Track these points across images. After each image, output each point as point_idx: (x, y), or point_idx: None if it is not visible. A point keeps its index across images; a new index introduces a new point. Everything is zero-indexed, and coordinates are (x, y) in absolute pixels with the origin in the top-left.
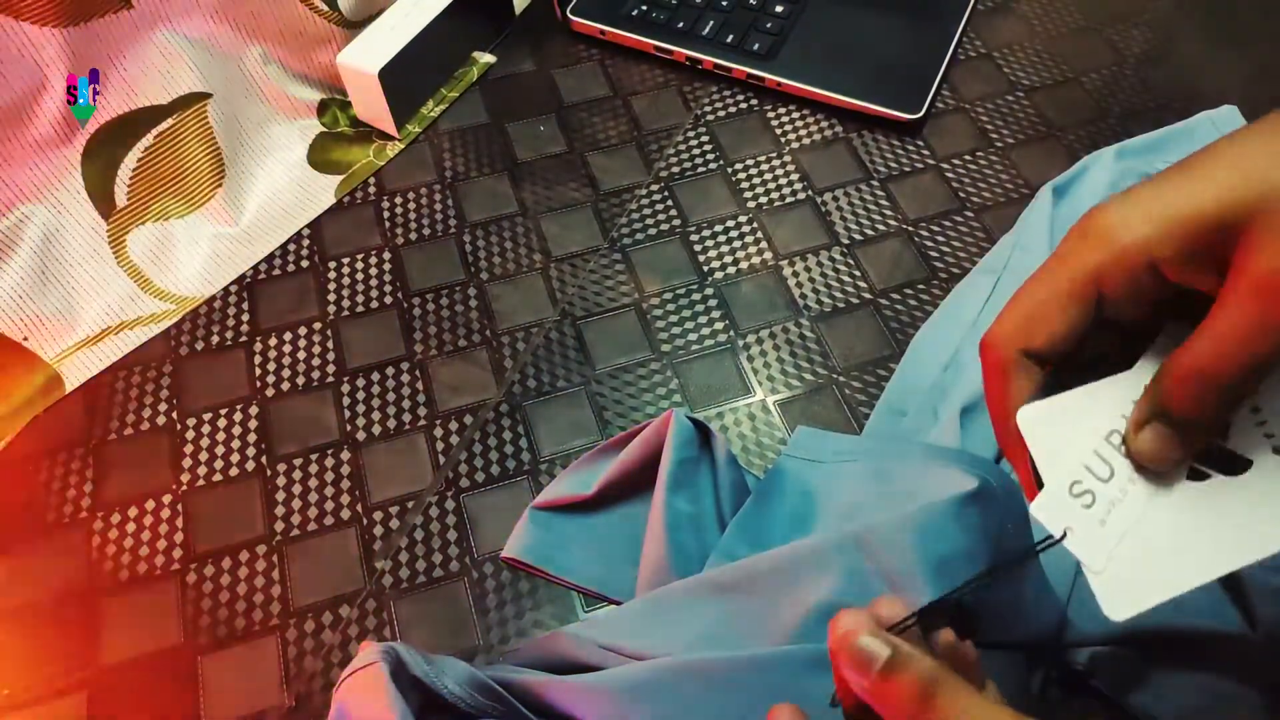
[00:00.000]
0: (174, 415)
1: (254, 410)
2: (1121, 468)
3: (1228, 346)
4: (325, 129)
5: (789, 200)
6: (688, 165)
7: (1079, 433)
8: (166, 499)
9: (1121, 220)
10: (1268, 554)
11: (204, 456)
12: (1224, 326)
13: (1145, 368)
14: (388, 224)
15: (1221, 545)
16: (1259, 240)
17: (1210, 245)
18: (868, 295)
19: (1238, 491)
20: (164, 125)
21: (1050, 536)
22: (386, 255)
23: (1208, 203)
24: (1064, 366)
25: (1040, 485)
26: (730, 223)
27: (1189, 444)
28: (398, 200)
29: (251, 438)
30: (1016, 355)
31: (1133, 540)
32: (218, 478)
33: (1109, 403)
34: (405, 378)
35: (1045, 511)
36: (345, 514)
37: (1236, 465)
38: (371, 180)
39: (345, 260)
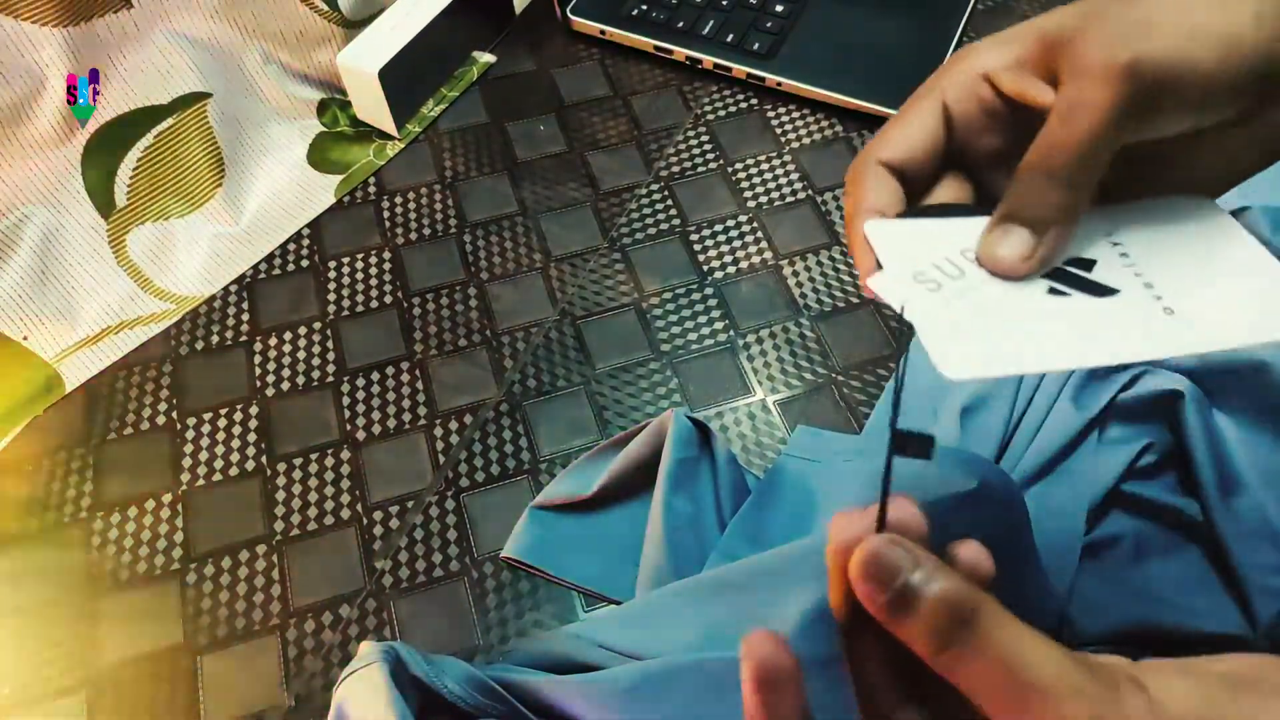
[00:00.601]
0: (174, 415)
1: (254, 410)
2: (973, 271)
3: (1060, 134)
4: (325, 129)
5: (789, 200)
6: (688, 165)
7: (932, 246)
8: (166, 499)
9: (974, 46)
10: (1113, 361)
11: (204, 456)
12: (1054, 119)
13: None
14: (388, 224)
15: (1067, 343)
16: (1082, 39)
17: (1039, 56)
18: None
19: (1097, 308)
20: (164, 125)
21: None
22: (386, 255)
23: (1041, 26)
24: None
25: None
26: (730, 222)
27: (1041, 243)
28: (398, 200)
29: (251, 438)
30: (872, 162)
31: (978, 317)
32: (218, 478)
33: (966, 232)
34: (405, 378)
35: (882, 284)
36: (345, 514)
37: (1103, 291)
38: (371, 180)
39: (345, 260)
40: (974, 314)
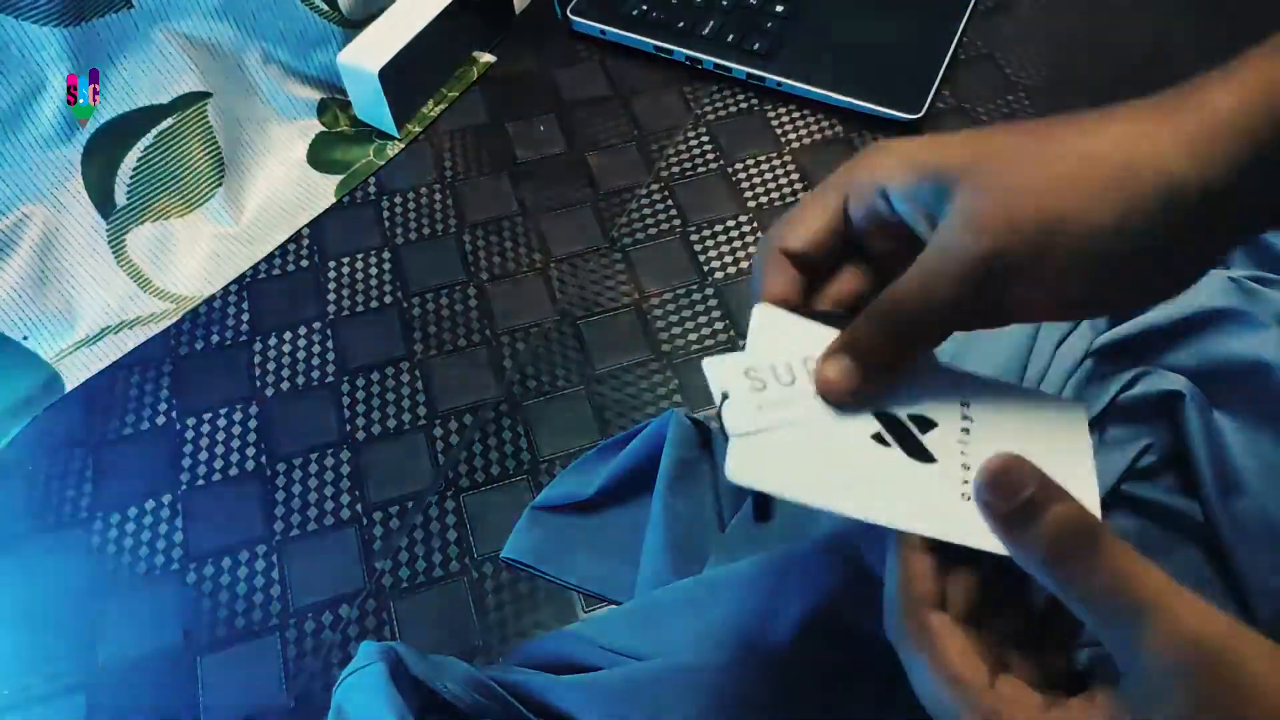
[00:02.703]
0: (174, 415)
1: (254, 410)
2: (805, 383)
3: (910, 295)
4: (325, 128)
5: (789, 200)
6: (688, 165)
7: (787, 346)
8: (166, 499)
9: (878, 149)
10: (892, 524)
11: (204, 456)
12: (905, 277)
13: None
14: (388, 224)
15: (857, 490)
16: (955, 198)
17: (928, 193)
18: None
19: (905, 469)
20: (164, 125)
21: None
22: (386, 255)
23: (936, 157)
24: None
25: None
26: (730, 223)
27: (867, 380)
28: (398, 200)
29: (251, 438)
30: (775, 250)
31: (783, 433)
32: (218, 478)
33: (822, 341)
34: (405, 378)
35: (713, 370)
36: (345, 514)
37: (921, 456)
38: (371, 180)
39: (345, 260)
40: (782, 427)
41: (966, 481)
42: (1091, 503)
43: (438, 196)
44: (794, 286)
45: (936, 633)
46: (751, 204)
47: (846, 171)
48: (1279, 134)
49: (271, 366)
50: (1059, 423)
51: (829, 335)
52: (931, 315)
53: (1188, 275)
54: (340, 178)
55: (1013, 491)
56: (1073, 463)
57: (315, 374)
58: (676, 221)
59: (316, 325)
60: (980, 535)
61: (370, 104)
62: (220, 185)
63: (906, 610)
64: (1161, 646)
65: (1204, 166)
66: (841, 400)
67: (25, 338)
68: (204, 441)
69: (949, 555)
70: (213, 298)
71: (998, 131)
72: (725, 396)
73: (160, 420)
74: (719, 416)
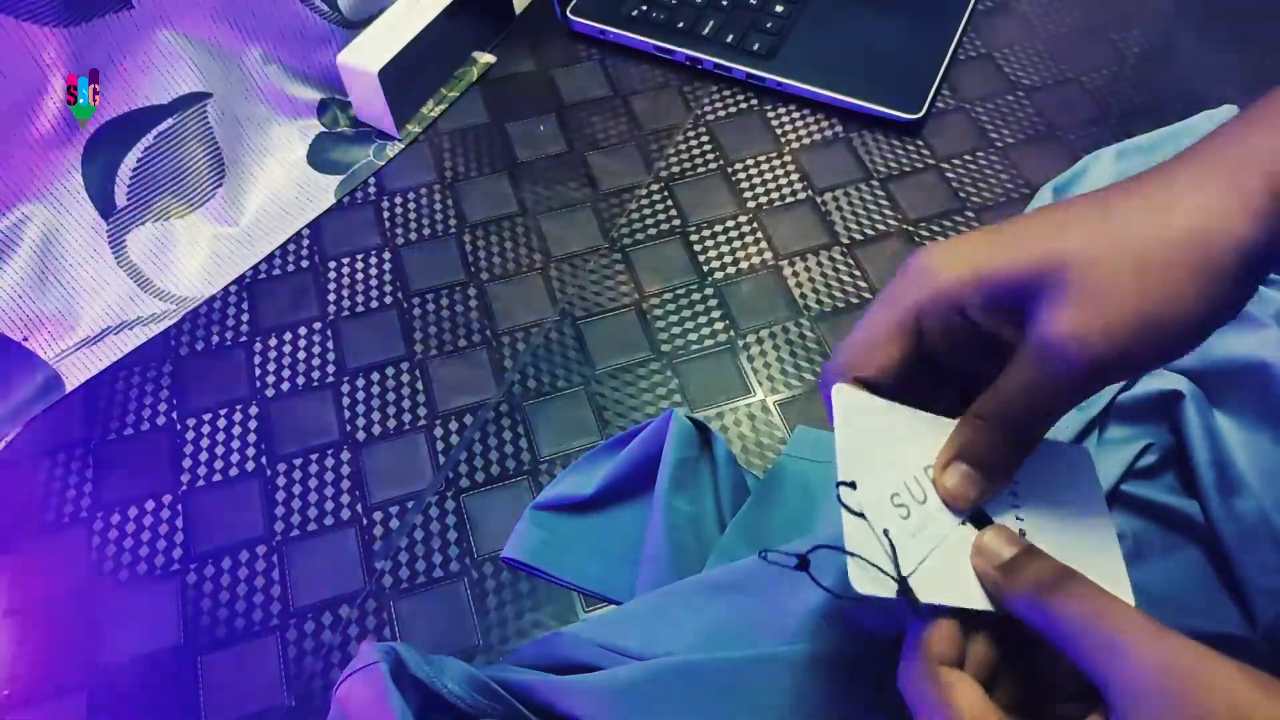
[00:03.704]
0: (174, 415)
1: (254, 410)
2: (933, 498)
3: (1013, 401)
4: (325, 129)
5: (789, 200)
6: (688, 165)
7: (894, 452)
8: (166, 499)
9: (942, 263)
10: (978, 608)
11: (204, 456)
12: (1009, 383)
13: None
14: (388, 224)
15: (969, 585)
16: (1046, 307)
17: (1011, 301)
18: (868, 295)
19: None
20: (164, 125)
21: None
22: (386, 255)
23: (1011, 264)
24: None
25: (838, 465)
26: (730, 223)
27: (986, 484)
28: (398, 200)
29: (251, 438)
30: (849, 381)
31: (932, 559)
32: (218, 478)
33: (937, 439)
34: (405, 378)
35: (871, 510)
36: (345, 514)
37: (982, 523)
38: (371, 180)
39: (345, 260)
40: (936, 546)
41: (1023, 533)
42: (1104, 529)
43: (438, 197)
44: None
45: (955, 687)
46: (751, 204)
47: (914, 291)
48: None
49: (271, 367)
50: (1068, 463)
51: (927, 430)
52: (1042, 422)
53: (1227, 321)
54: (340, 178)
55: (995, 556)
56: (1083, 500)
57: (315, 374)
58: (676, 221)
59: (316, 326)
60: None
61: (370, 104)
62: (220, 186)
63: (927, 666)
64: (1136, 675)
65: (1264, 228)
66: (968, 506)
67: (25, 338)
68: (204, 442)
69: (969, 621)
70: (213, 298)
71: (1062, 217)
72: (886, 533)
73: (160, 421)
74: (893, 556)
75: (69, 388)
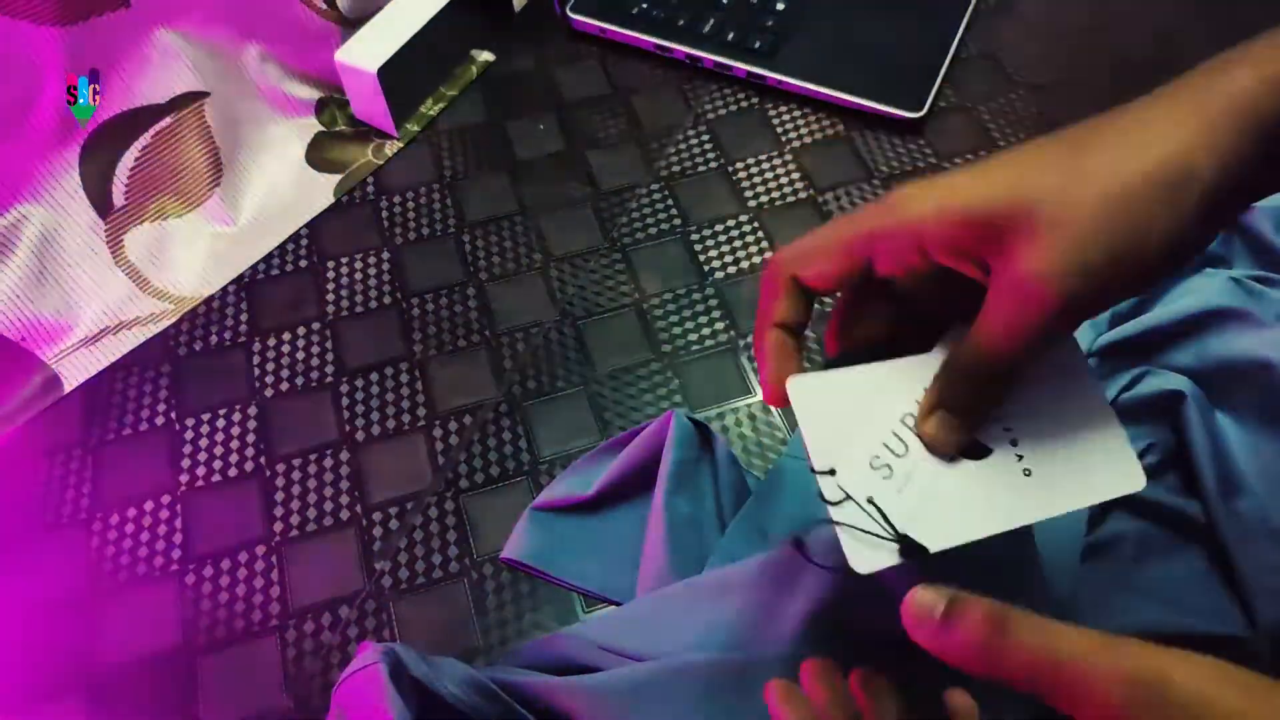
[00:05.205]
0: (173, 415)
1: (253, 410)
2: (915, 446)
3: (992, 344)
4: (324, 128)
5: (790, 200)
6: (688, 164)
7: (863, 414)
8: (166, 499)
9: (911, 197)
10: (1010, 526)
11: (203, 456)
12: (985, 324)
13: (936, 357)
14: (387, 224)
15: (973, 510)
16: (1015, 245)
17: (974, 239)
18: None
19: (978, 475)
20: (162, 124)
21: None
22: (385, 255)
23: (983, 199)
24: (851, 355)
25: (808, 451)
26: (731, 222)
27: (968, 430)
28: (397, 200)
29: (251, 438)
30: (788, 278)
31: (926, 506)
32: (217, 478)
33: (904, 384)
34: (405, 378)
35: (828, 487)
36: (345, 514)
37: (979, 452)
38: (370, 179)
39: (344, 260)
40: (923, 503)
41: (1020, 457)
42: (1117, 438)
43: (437, 196)
44: (802, 314)
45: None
46: (752, 203)
47: (876, 217)
48: None
49: (270, 367)
50: (1068, 377)
51: (905, 376)
52: (1019, 362)
53: (1192, 258)
54: (339, 177)
55: (928, 614)
56: (1090, 415)
57: (314, 374)
58: (677, 221)
59: (315, 325)
60: (1040, 508)
61: (369, 103)
62: (218, 185)
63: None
64: (1101, 698)
65: (1226, 165)
66: (951, 452)
67: (24, 338)
68: (203, 442)
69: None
70: (211, 298)
71: (1033, 157)
72: (871, 500)
73: (159, 421)
74: (883, 521)
75: (68, 388)
